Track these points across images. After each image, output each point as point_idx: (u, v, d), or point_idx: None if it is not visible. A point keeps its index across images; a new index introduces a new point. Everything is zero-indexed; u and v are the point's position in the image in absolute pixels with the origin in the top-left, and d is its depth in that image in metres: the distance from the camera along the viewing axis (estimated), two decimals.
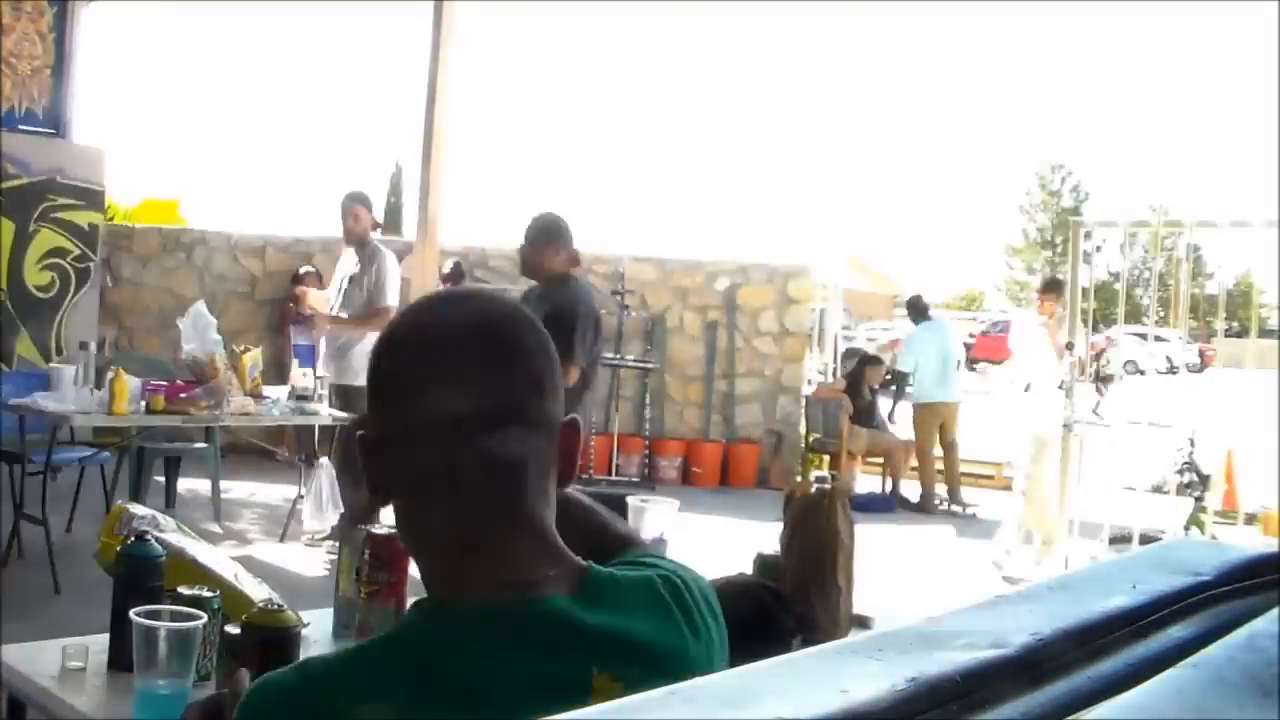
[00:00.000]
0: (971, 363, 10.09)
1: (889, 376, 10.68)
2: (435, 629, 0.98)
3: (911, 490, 9.39)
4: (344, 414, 5.82)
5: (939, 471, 9.28)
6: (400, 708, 0.92)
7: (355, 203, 6.44)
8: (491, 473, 1.00)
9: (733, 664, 1.96)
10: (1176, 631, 0.54)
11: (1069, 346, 6.82)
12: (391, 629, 1.03)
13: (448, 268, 8.97)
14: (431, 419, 1.00)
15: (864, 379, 9.79)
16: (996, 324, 30.10)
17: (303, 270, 9.31)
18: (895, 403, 9.93)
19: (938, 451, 9.33)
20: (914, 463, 9.45)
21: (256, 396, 5.83)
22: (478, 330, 1.03)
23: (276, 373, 7.28)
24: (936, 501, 9.17)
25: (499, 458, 1.00)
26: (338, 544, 2.59)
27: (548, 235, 4.97)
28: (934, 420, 9.26)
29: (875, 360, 10.47)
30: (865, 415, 9.61)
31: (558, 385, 1.05)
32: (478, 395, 1.00)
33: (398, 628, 1.02)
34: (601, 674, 0.96)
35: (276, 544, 6.30)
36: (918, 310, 9.88)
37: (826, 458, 9.54)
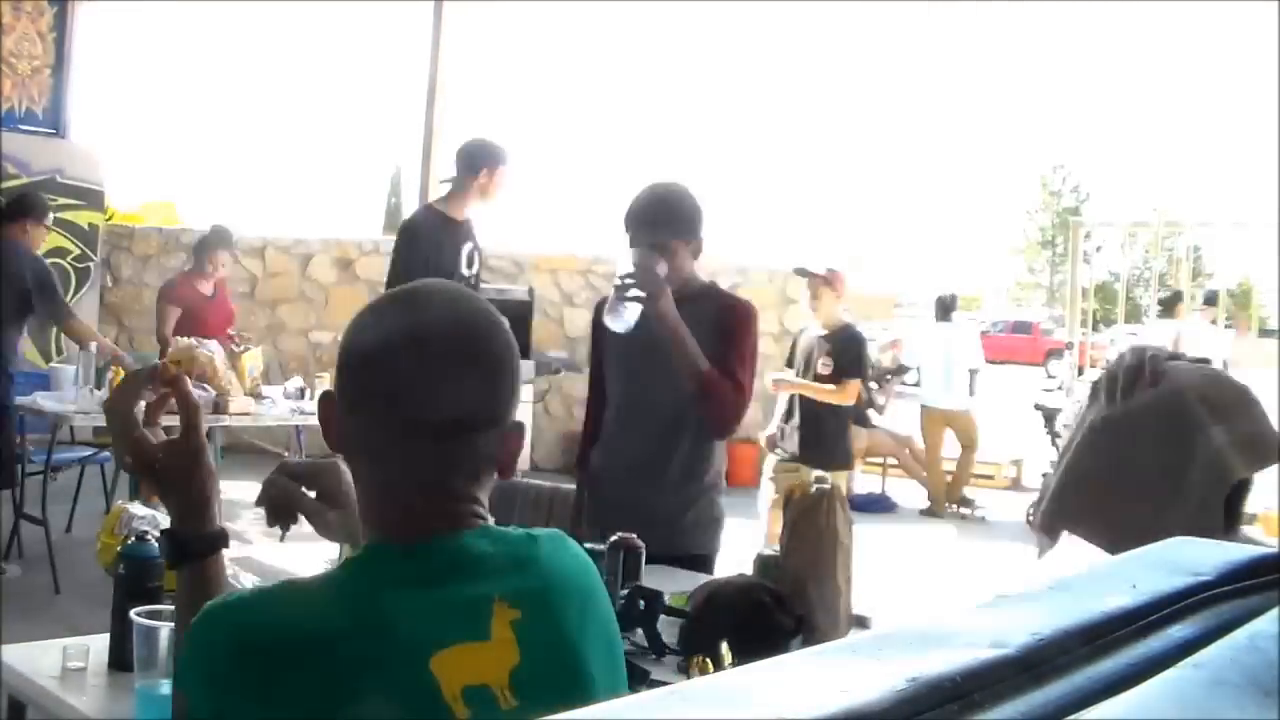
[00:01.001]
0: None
1: (888, 376, 10.60)
2: (364, 568, 1.13)
3: (919, 493, 9.30)
4: None
5: (947, 471, 9.16)
6: (328, 635, 1.05)
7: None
8: (437, 453, 1.14)
9: (732, 664, 1.96)
10: (1176, 631, 0.54)
11: (1068, 346, 6.82)
12: (336, 567, 1.17)
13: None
14: (405, 409, 1.14)
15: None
16: (997, 324, 30.17)
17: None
18: (888, 398, 9.77)
19: (953, 453, 9.20)
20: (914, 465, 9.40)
21: (256, 396, 5.83)
22: (454, 330, 1.16)
23: None
24: (947, 506, 9.02)
25: (449, 442, 1.15)
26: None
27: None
28: (938, 426, 9.11)
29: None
30: (864, 415, 9.54)
31: (513, 389, 1.18)
32: (438, 390, 1.13)
33: (340, 566, 1.17)
34: (500, 602, 1.10)
35: (276, 544, 6.30)
36: (940, 309, 9.43)
37: None
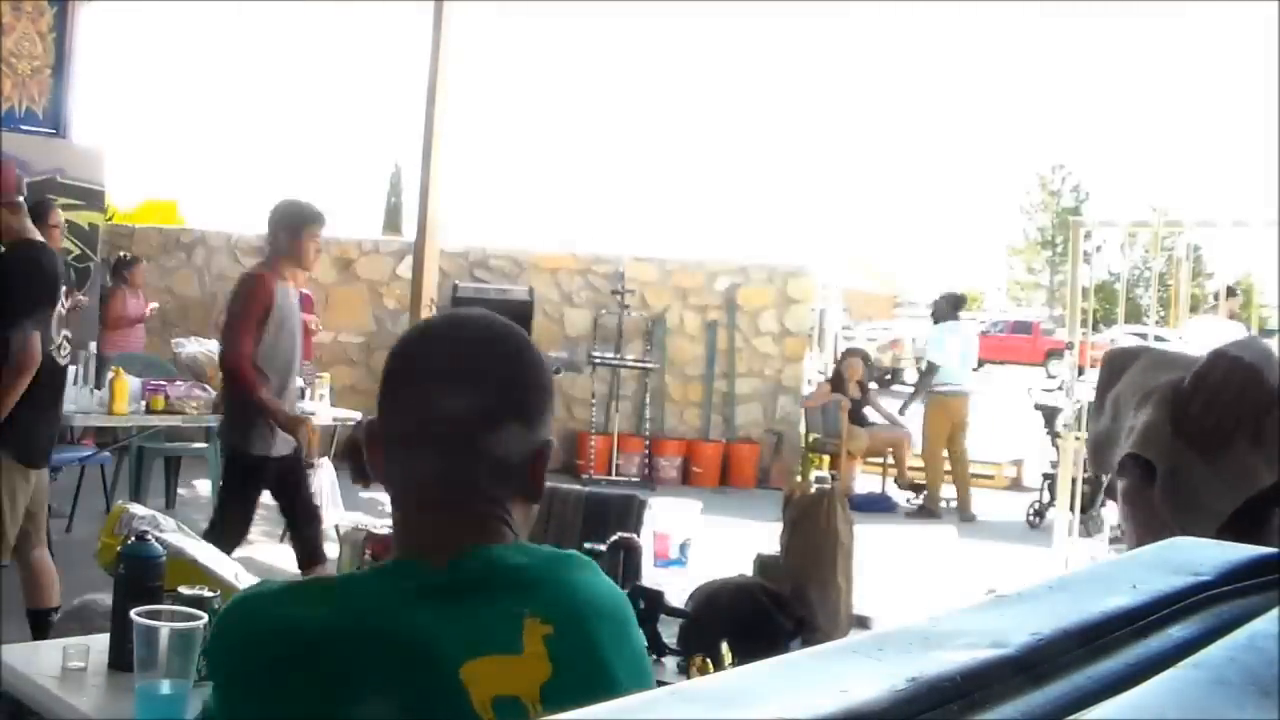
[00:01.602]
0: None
1: (888, 375, 10.59)
2: (396, 575, 1.13)
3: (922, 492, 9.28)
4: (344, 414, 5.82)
5: (946, 473, 9.14)
6: (359, 636, 1.06)
7: None
8: (468, 469, 1.16)
9: (732, 664, 1.96)
10: (1176, 631, 0.54)
11: (1069, 346, 6.82)
12: (367, 571, 1.17)
13: None
14: (434, 422, 1.16)
15: (846, 375, 9.59)
16: (997, 324, 30.18)
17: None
18: (911, 400, 9.74)
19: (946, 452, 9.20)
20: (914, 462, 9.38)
21: None
22: (497, 358, 1.19)
23: None
24: (942, 504, 9.02)
25: (480, 459, 1.16)
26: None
27: None
28: (945, 414, 9.07)
29: (853, 353, 10.28)
30: (859, 413, 9.51)
31: (542, 406, 1.20)
32: (472, 409, 1.16)
33: (372, 570, 1.18)
34: (532, 617, 1.10)
35: (276, 544, 6.31)
36: (952, 307, 9.48)
37: (826, 458, 9.52)
